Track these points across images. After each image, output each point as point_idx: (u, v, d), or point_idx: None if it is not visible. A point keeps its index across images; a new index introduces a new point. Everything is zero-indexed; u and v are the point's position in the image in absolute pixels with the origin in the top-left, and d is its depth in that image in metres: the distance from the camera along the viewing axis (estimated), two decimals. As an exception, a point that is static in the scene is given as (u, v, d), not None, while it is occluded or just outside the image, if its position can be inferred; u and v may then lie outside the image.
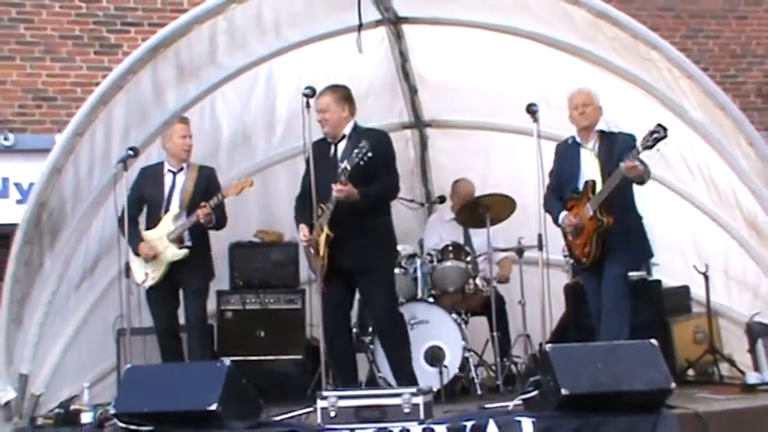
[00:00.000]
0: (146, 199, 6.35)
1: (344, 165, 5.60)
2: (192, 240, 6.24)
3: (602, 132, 6.02)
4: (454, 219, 7.40)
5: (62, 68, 9.67)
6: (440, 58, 7.68)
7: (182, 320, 6.38)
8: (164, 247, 6.19)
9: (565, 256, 6.73)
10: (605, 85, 6.91)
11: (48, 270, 6.50)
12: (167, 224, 6.23)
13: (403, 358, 5.93)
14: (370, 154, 5.57)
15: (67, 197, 6.51)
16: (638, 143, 5.64)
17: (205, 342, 6.36)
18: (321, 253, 5.73)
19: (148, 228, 6.31)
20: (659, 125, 5.58)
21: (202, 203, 6.13)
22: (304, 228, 5.88)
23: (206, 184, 6.32)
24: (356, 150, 5.61)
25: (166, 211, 6.27)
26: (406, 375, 5.82)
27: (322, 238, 5.74)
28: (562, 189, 6.04)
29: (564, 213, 5.95)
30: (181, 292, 6.31)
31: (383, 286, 5.90)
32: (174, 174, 6.34)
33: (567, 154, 6.05)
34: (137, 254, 6.24)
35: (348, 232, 5.71)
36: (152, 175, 6.39)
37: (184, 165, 6.35)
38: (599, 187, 5.82)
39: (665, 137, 5.56)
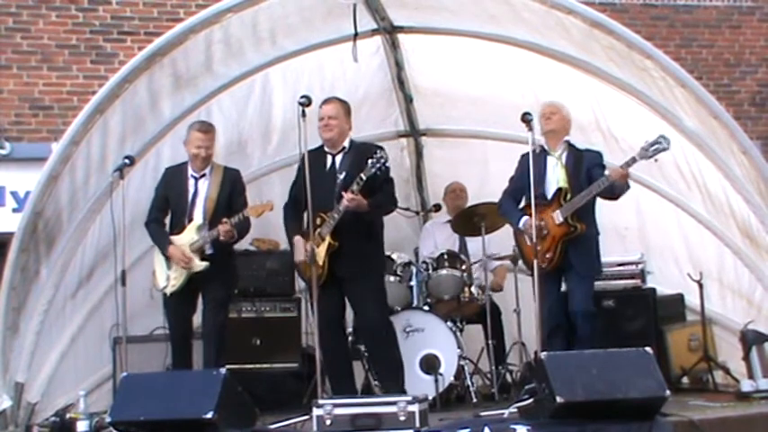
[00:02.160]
0: (170, 203, 6.28)
1: (361, 175, 5.66)
2: (213, 249, 6.15)
3: (570, 144, 6.16)
4: (449, 222, 7.41)
5: (59, 77, 9.69)
6: (435, 66, 7.70)
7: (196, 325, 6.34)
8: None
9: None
10: (600, 94, 6.97)
11: (44, 278, 6.50)
12: (191, 234, 6.14)
13: (390, 364, 5.94)
14: (387, 164, 5.70)
15: (64, 205, 6.51)
16: (637, 152, 5.75)
17: (222, 353, 6.17)
18: (321, 263, 5.77)
19: (172, 233, 6.23)
20: (662, 136, 5.73)
21: (224, 220, 6.04)
22: (301, 241, 5.87)
23: (230, 189, 6.23)
24: (372, 161, 5.69)
25: (190, 219, 6.19)
26: (394, 383, 5.82)
27: (323, 248, 5.78)
28: (520, 195, 6.15)
29: (525, 218, 6.01)
30: (200, 298, 6.24)
31: (374, 292, 5.94)
32: (197, 179, 6.24)
33: (533, 161, 6.02)
34: (165, 255, 6.16)
35: (348, 241, 5.77)
36: (176, 176, 6.30)
37: (207, 170, 6.27)
38: (569, 195, 5.94)
39: (666, 149, 5.72)
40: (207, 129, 6.32)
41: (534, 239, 5.73)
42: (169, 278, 6.16)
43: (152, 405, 5.04)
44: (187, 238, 6.16)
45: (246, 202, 6.26)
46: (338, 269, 5.81)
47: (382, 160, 5.68)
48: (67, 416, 5.84)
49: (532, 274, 5.95)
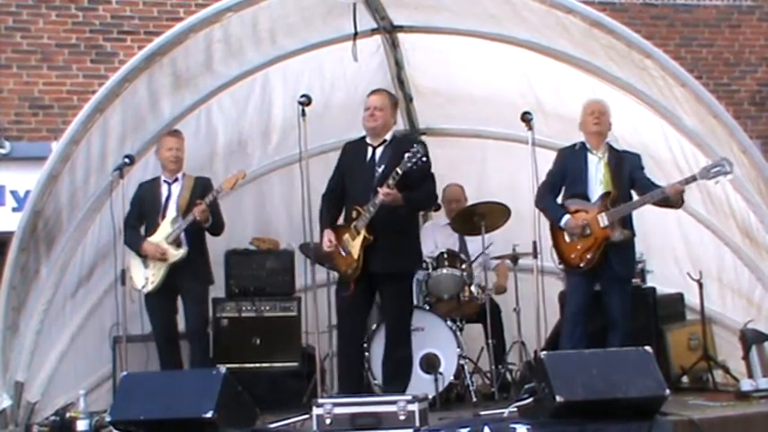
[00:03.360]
0: (144, 209, 6.40)
1: (397, 169, 5.61)
2: (189, 245, 6.26)
3: (610, 146, 6.16)
4: (449, 224, 7.41)
5: (58, 77, 9.69)
6: (435, 66, 7.69)
7: (181, 326, 6.40)
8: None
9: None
10: (600, 93, 6.94)
11: (44, 277, 6.50)
12: (165, 228, 6.28)
13: (402, 365, 5.93)
14: (424, 159, 5.63)
15: (63, 205, 6.52)
16: (698, 172, 5.83)
17: (206, 349, 6.37)
18: (356, 256, 5.74)
19: (146, 236, 6.34)
20: (725, 159, 5.78)
21: (198, 201, 6.19)
22: (330, 233, 5.84)
23: (201, 192, 6.35)
24: (408, 155, 5.61)
25: (163, 217, 6.31)
26: (400, 381, 5.81)
27: (358, 241, 5.75)
28: (558, 190, 6.14)
29: (567, 216, 6.01)
30: (180, 298, 6.33)
31: (405, 292, 5.95)
32: (170, 184, 6.42)
33: (573, 158, 6.13)
34: (140, 255, 6.26)
35: (384, 236, 5.72)
36: (150, 188, 6.47)
37: (179, 175, 6.43)
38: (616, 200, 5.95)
39: (729, 173, 5.76)
40: (176, 133, 6.56)
41: (536, 239, 5.78)
42: (147, 277, 6.24)
43: (152, 404, 5.04)
44: (162, 234, 6.28)
45: (217, 201, 6.33)
46: (372, 264, 5.74)
47: (419, 155, 5.60)
48: (67, 415, 5.83)
49: (565, 271, 6.12)
